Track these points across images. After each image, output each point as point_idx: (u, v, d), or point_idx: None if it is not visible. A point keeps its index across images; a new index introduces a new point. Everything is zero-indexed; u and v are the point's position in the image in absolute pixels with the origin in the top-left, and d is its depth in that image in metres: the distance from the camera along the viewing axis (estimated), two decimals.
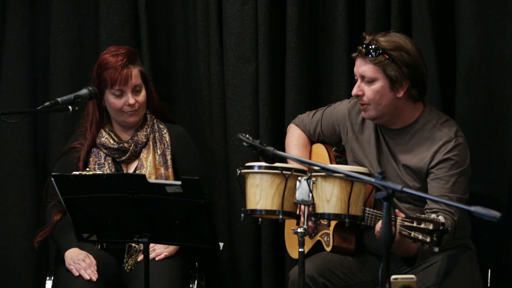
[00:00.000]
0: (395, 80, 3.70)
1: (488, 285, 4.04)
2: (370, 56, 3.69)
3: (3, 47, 4.65)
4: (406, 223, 3.45)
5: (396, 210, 3.55)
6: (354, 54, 3.77)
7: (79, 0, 4.69)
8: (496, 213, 2.63)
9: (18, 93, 4.65)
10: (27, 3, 4.66)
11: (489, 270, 4.05)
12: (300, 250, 3.41)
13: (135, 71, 4.10)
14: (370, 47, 3.69)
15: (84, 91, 3.86)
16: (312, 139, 4.11)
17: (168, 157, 4.16)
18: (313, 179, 3.49)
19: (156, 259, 4.01)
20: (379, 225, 3.58)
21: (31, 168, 4.67)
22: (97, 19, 4.67)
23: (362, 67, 3.72)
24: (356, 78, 3.77)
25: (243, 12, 4.50)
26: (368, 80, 3.72)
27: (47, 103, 3.72)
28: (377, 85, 3.72)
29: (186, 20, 4.68)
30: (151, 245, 3.99)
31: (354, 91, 3.76)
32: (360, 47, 3.72)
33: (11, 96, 4.64)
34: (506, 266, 4.16)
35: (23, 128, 4.63)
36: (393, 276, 2.84)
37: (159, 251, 4.02)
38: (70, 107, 3.74)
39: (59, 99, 3.72)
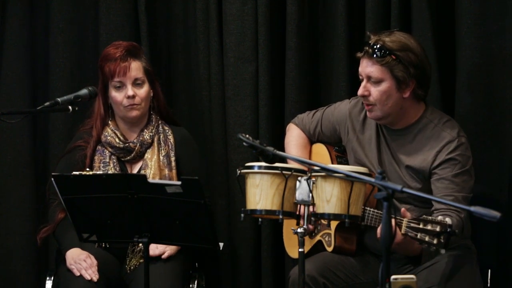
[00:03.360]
0: (402, 80, 3.69)
1: (488, 285, 4.04)
2: (376, 56, 3.67)
3: (3, 47, 4.65)
4: (412, 225, 3.44)
5: (403, 210, 3.53)
6: (359, 54, 3.74)
7: (79, 0, 4.69)
8: (496, 213, 2.63)
9: (18, 93, 4.65)
10: (27, 3, 4.66)
11: (489, 270, 4.05)
12: (300, 250, 3.41)
13: (135, 65, 4.11)
14: (376, 47, 3.66)
15: (84, 91, 3.87)
16: (312, 138, 4.11)
17: (172, 158, 4.17)
18: (313, 179, 3.48)
19: (162, 257, 4.01)
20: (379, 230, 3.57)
21: (31, 168, 4.67)
22: (97, 19, 4.67)
23: (369, 68, 3.70)
24: (361, 78, 3.75)
25: (243, 12, 4.50)
26: (375, 80, 3.70)
27: (47, 103, 3.72)
28: (383, 86, 3.71)
29: (186, 20, 4.68)
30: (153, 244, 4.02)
31: (360, 91, 3.73)
32: (367, 48, 3.68)
33: (11, 96, 4.64)
34: (506, 266, 4.17)
35: (23, 128, 4.63)
36: (393, 276, 2.84)
37: (162, 248, 4.03)
38: (70, 107, 3.74)
39: (59, 99, 3.73)
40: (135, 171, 4.14)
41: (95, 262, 3.97)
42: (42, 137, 4.71)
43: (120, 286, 4.08)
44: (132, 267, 4.07)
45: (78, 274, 3.92)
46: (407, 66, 3.68)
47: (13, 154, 4.66)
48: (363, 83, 3.74)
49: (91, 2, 4.69)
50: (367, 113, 3.80)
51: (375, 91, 3.72)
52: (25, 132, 4.66)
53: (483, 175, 4.08)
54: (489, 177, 4.18)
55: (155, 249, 4.01)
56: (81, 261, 3.95)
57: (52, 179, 3.53)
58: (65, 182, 3.54)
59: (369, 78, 3.71)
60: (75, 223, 3.62)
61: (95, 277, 3.91)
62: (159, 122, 4.22)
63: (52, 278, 4.16)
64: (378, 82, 3.71)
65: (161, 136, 4.19)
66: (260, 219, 3.62)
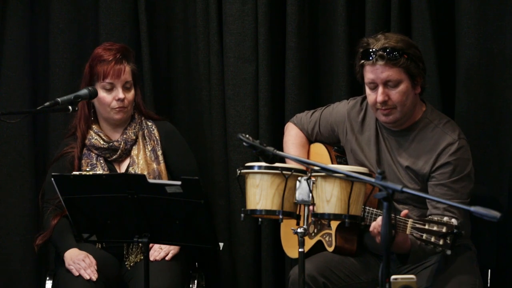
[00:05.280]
0: (416, 77, 3.71)
1: (488, 285, 4.04)
2: (391, 60, 3.65)
3: (3, 47, 4.65)
4: (418, 225, 3.44)
5: (403, 212, 3.53)
6: (367, 62, 3.69)
7: (79, 0, 4.69)
8: (496, 213, 2.63)
9: (18, 93, 4.64)
10: (27, 3, 4.66)
11: (489, 270, 4.05)
12: (300, 250, 3.41)
13: (127, 68, 4.13)
14: (388, 51, 3.65)
15: (84, 91, 3.87)
16: (310, 138, 4.11)
17: (159, 152, 4.18)
18: (313, 179, 3.48)
19: (167, 258, 4.02)
20: (374, 224, 3.57)
21: (31, 168, 4.66)
22: (97, 19, 4.67)
23: (386, 73, 3.67)
24: (372, 85, 3.71)
25: (243, 12, 4.50)
26: (393, 84, 3.69)
27: (47, 103, 3.72)
28: (402, 87, 3.70)
29: (186, 20, 4.68)
30: (156, 245, 4.01)
31: (380, 98, 3.69)
32: (380, 53, 3.65)
33: (11, 96, 4.64)
34: (506, 266, 4.17)
35: (23, 128, 4.62)
36: (393, 276, 2.84)
37: (166, 249, 4.03)
38: (70, 107, 3.74)
39: (59, 99, 3.72)
40: (123, 169, 4.15)
41: (93, 261, 3.97)
42: (42, 137, 4.71)
43: (119, 285, 4.09)
44: (132, 264, 4.08)
45: (77, 274, 3.93)
46: (417, 62, 3.71)
47: (13, 154, 4.65)
48: (380, 90, 3.70)
49: (91, 2, 4.69)
50: (383, 117, 3.76)
51: (394, 94, 3.70)
52: (25, 132, 4.65)
53: (483, 175, 4.08)
54: (489, 177, 4.18)
55: (159, 250, 4.02)
56: (79, 261, 3.95)
57: (52, 179, 3.53)
58: (65, 182, 3.54)
59: (386, 83, 3.69)
60: (75, 223, 3.62)
61: (94, 277, 3.92)
62: (142, 118, 4.23)
63: (52, 278, 4.16)
64: (396, 84, 3.69)
65: (145, 132, 4.21)
66: (260, 219, 3.61)
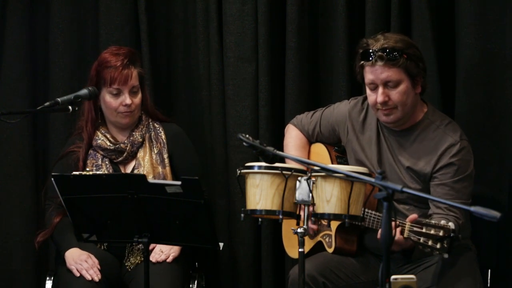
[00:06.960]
0: (415, 77, 3.71)
1: (488, 285, 4.04)
2: (390, 60, 3.65)
3: (3, 47, 4.65)
4: (415, 229, 3.44)
5: (411, 217, 3.52)
6: (366, 63, 3.70)
7: (79, 0, 4.69)
8: (496, 213, 2.63)
9: (18, 93, 4.65)
10: (27, 3, 4.66)
11: (489, 270, 4.05)
12: (300, 250, 3.41)
13: (135, 73, 4.12)
14: (388, 51, 3.65)
15: (84, 91, 3.87)
16: (311, 139, 4.11)
17: (165, 155, 4.17)
18: (313, 179, 3.48)
19: (167, 261, 4.01)
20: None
21: (31, 168, 4.66)
22: (97, 19, 4.67)
23: (385, 73, 3.68)
24: (372, 86, 3.71)
25: (243, 12, 4.51)
26: (393, 84, 3.69)
27: (47, 103, 3.71)
28: (402, 87, 3.70)
29: (186, 20, 4.68)
30: (157, 246, 4.01)
31: (380, 98, 3.69)
32: (380, 53, 3.65)
33: (11, 96, 4.64)
34: (506, 266, 4.17)
35: (23, 128, 4.63)
36: (393, 276, 2.84)
37: (167, 252, 4.03)
38: (70, 107, 3.74)
39: (59, 99, 3.72)
40: (128, 171, 4.14)
41: (96, 262, 3.97)
42: (42, 137, 4.71)
43: (120, 286, 4.08)
44: (132, 266, 4.07)
45: (78, 274, 3.92)
46: (417, 62, 3.71)
47: (13, 154, 4.66)
48: (380, 90, 3.70)
49: (91, 2, 4.69)
50: (384, 117, 3.77)
51: (395, 94, 3.70)
52: (25, 132, 4.65)
53: (483, 175, 4.08)
54: (489, 177, 4.18)
55: (160, 253, 4.02)
56: (82, 261, 3.95)
57: (52, 179, 3.53)
58: (65, 182, 3.54)
59: (386, 83, 3.69)
60: (75, 223, 3.62)
61: (96, 277, 3.91)
62: (149, 120, 4.23)
63: (52, 278, 4.16)
64: (396, 85, 3.69)
65: (152, 134, 4.20)
66: (260, 219, 3.61)
